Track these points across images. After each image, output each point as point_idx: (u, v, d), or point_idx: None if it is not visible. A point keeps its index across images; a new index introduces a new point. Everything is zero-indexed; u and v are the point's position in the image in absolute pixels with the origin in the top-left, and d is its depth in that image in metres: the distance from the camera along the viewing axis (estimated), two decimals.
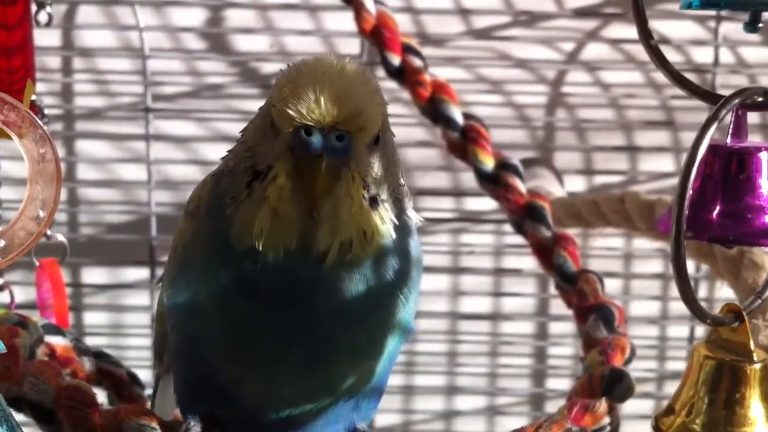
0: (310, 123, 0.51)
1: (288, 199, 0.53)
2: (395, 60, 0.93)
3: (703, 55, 1.14)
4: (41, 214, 0.48)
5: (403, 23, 0.99)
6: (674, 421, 0.57)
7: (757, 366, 0.55)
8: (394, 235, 0.55)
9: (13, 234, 0.48)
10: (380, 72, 0.96)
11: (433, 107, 0.91)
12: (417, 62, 0.93)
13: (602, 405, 0.65)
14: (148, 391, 0.86)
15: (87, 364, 0.79)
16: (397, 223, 0.56)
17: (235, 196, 0.55)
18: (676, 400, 0.58)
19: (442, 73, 0.95)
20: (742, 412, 0.55)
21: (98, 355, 0.82)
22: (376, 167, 0.55)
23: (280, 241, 0.53)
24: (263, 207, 0.53)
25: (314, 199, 0.52)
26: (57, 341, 0.77)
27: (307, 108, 0.51)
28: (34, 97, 0.82)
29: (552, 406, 1.20)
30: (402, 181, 0.59)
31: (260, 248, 0.53)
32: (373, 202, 0.54)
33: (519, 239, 0.92)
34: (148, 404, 0.81)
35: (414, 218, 0.59)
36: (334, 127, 0.52)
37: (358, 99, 0.53)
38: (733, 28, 1.12)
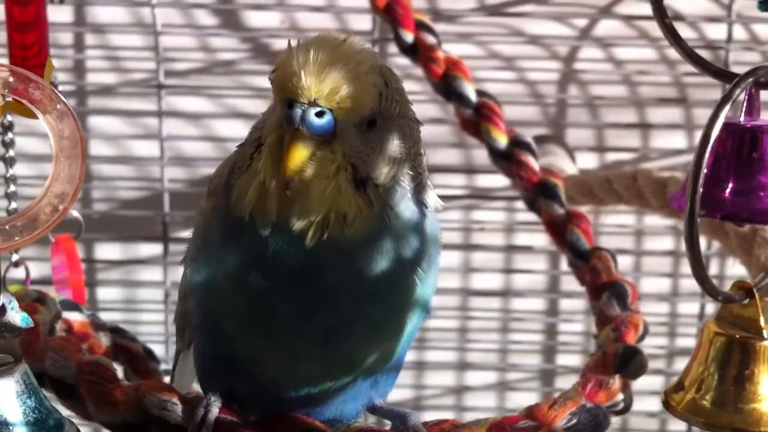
0: (293, 96, 0.51)
1: (270, 172, 0.53)
2: (408, 37, 0.93)
3: (716, 32, 1.14)
4: (66, 190, 0.48)
5: None
6: (684, 397, 0.57)
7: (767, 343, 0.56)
8: (390, 220, 0.54)
9: (39, 210, 0.48)
10: (393, 48, 0.96)
11: (446, 84, 0.91)
12: (430, 39, 0.92)
13: (616, 382, 0.65)
14: (163, 366, 0.87)
15: (103, 340, 0.79)
16: (393, 208, 0.55)
17: (240, 166, 0.55)
18: (685, 376, 0.58)
19: (455, 50, 0.95)
20: (752, 388, 0.55)
21: (114, 330, 0.83)
22: (370, 150, 0.54)
23: (266, 214, 0.53)
24: (256, 179, 0.53)
25: (283, 174, 0.52)
26: (74, 317, 0.77)
27: (291, 81, 0.51)
28: None
29: (562, 382, 1.21)
30: (422, 168, 0.58)
31: (247, 218, 0.53)
32: (361, 184, 0.54)
33: (530, 216, 0.92)
34: (164, 378, 0.82)
35: (432, 205, 0.58)
36: (315, 102, 0.51)
37: (344, 76, 0.52)
38: (746, 5, 1.11)
